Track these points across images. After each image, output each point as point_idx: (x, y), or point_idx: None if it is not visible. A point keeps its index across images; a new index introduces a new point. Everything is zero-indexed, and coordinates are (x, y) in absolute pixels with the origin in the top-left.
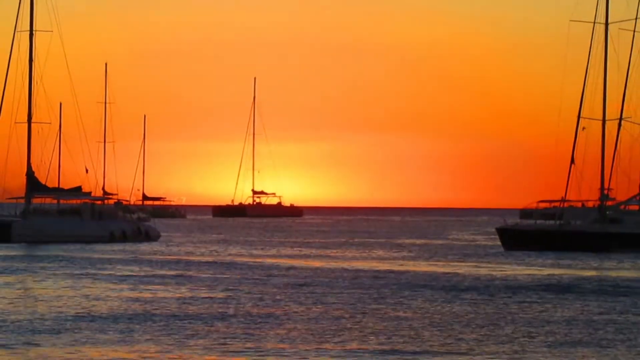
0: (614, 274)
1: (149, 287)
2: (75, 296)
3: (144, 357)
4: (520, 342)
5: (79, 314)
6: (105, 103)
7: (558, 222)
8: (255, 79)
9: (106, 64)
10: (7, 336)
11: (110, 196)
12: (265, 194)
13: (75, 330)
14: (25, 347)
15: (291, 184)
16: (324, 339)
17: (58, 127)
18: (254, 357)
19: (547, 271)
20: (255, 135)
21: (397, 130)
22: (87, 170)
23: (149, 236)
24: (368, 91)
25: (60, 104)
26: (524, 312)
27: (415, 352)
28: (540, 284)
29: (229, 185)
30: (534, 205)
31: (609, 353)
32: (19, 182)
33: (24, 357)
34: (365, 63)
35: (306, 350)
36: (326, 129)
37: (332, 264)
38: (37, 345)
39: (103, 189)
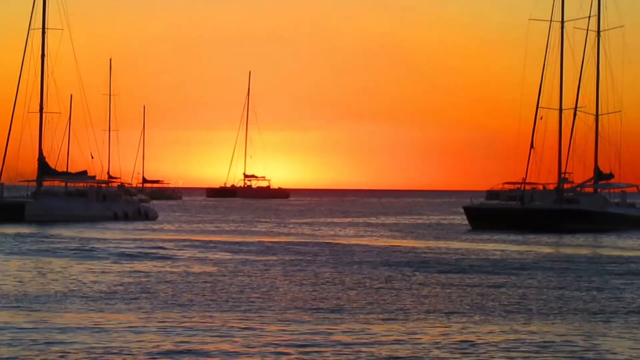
0: (568, 250)
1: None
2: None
3: None
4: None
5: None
6: (110, 95)
7: (520, 202)
8: (250, 72)
9: (110, 59)
10: (25, 305)
11: (114, 179)
12: (256, 177)
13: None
14: (41, 315)
15: (280, 169)
16: None
17: (67, 117)
18: None
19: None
20: (248, 124)
21: (376, 120)
22: (92, 157)
23: (148, 216)
24: (350, 84)
25: (71, 95)
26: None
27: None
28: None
29: (222, 169)
30: (500, 187)
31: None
32: (31, 167)
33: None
34: (349, 59)
35: None
36: (312, 119)
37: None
38: (56, 314)
39: (108, 173)
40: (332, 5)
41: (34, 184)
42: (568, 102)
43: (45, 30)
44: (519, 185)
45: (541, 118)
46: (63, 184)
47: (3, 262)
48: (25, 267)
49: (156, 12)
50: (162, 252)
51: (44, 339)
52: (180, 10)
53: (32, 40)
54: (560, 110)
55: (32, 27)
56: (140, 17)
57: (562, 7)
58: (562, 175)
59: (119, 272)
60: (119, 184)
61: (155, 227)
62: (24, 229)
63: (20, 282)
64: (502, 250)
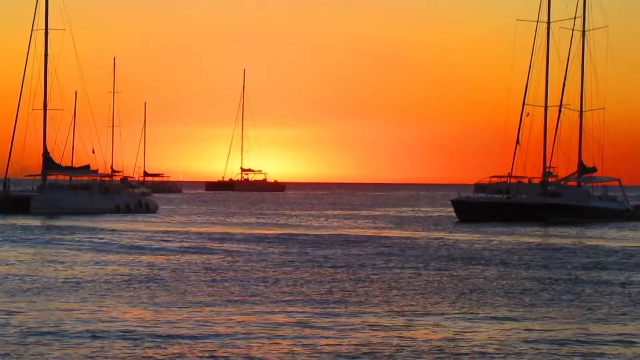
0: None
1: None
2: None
3: None
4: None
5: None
6: (114, 92)
7: (505, 195)
8: (244, 71)
9: (114, 58)
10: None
11: (117, 173)
12: (253, 171)
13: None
14: (47, 302)
15: (275, 163)
16: None
17: (70, 113)
18: None
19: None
20: (244, 121)
21: (367, 117)
22: (93, 151)
23: (149, 208)
24: (342, 82)
25: (76, 92)
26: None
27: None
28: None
29: (220, 163)
30: (487, 180)
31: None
32: (36, 161)
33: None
34: (340, 58)
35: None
36: (306, 115)
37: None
38: (58, 301)
39: (111, 167)
40: (324, 6)
41: (39, 178)
42: (553, 99)
43: (48, 30)
44: (505, 179)
45: (528, 115)
46: (67, 177)
47: (12, 253)
48: (31, 257)
49: (155, 13)
50: (166, 244)
51: (49, 327)
52: (178, 11)
53: (35, 40)
54: (546, 107)
55: (35, 28)
56: (139, 18)
57: (549, 8)
58: (547, 170)
59: (119, 262)
60: (122, 177)
61: (155, 219)
62: (30, 221)
63: (27, 271)
64: (486, 241)
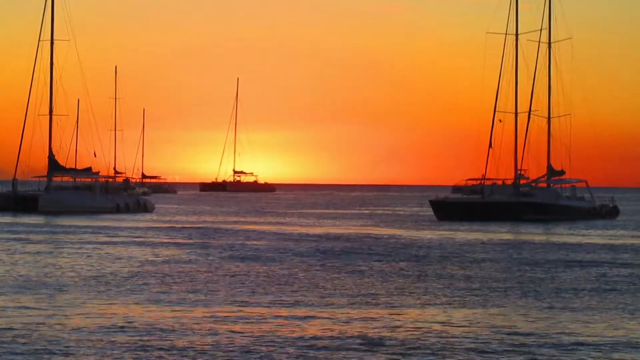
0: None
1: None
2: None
3: None
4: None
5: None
6: (115, 99)
7: (480, 195)
8: (238, 79)
9: (116, 67)
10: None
11: (119, 174)
12: (245, 173)
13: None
14: (55, 298)
15: (266, 165)
16: None
17: (74, 119)
18: None
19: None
20: (237, 125)
21: (353, 122)
22: (95, 155)
23: (146, 208)
24: (328, 90)
25: (78, 100)
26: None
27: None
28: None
29: (214, 166)
30: (463, 182)
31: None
32: (42, 164)
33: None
34: (326, 67)
35: None
36: (294, 120)
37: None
38: (66, 294)
39: (114, 168)
40: (311, 20)
41: (45, 179)
42: (523, 106)
43: (54, 41)
44: (480, 181)
45: (500, 121)
46: (71, 179)
47: (21, 249)
48: (39, 253)
49: (153, 25)
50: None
51: (53, 319)
52: (175, 23)
53: (41, 50)
54: (516, 113)
55: (41, 38)
56: (139, 29)
57: (516, 22)
58: (519, 172)
59: (121, 258)
60: (124, 178)
61: (155, 217)
62: (39, 219)
63: (33, 266)
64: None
